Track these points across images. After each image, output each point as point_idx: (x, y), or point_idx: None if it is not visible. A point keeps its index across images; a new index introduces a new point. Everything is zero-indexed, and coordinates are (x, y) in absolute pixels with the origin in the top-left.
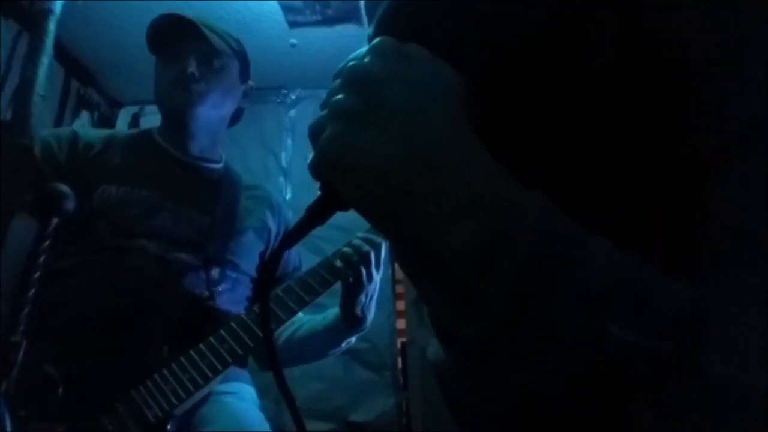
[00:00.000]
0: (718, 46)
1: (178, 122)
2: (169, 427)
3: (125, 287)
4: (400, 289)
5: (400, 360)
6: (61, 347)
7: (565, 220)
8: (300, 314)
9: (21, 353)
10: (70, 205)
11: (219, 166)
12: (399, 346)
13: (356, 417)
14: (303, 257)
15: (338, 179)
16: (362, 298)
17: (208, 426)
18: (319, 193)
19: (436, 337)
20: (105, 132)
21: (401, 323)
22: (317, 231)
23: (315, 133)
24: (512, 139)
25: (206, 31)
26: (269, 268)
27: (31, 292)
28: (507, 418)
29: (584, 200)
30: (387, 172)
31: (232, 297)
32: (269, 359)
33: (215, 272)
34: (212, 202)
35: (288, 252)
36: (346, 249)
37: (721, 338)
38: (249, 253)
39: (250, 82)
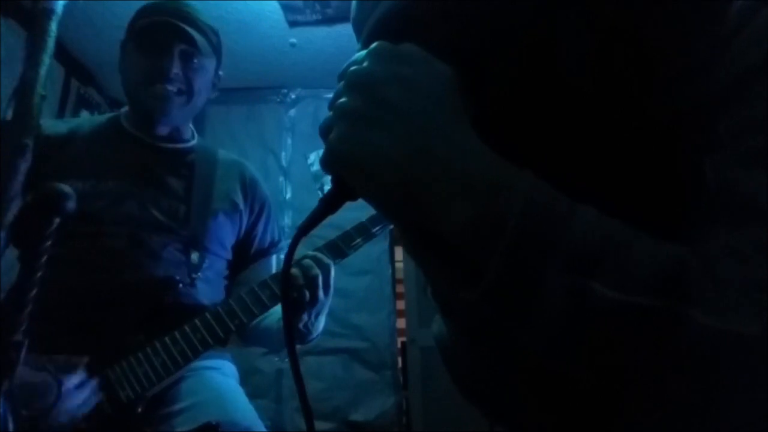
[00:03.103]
0: (678, 23)
1: (148, 113)
2: (139, 409)
3: (102, 269)
4: (400, 289)
5: (400, 360)
6: (37, 328)
7: (553, 193)
8: None
9: (22, 353)
10: (71, 205)
11: (190, 144)
12: (399, 345)
13: (356, 416)
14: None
15: (347, 174)
16: (304, 317)
17: (190, 398)
18: (318, 192)
19: (439, 313)
20: (71, 122)
21: (401, 323)
22: (317, 230)
23: (323, 133)
24: (505, 124)
25: (191, 30)
26: (287, 259)
27: (33, 292)
28: (505, 384)
29: (575, 174)
30: (390, 164)
31: (208, 278)
32: (290, 359)
33: (195, 257)
34: (184, 184)
35: (262, 229)
36: (294, 270)
37: (706, 291)
38: (219, 236)
39: (220, 73)
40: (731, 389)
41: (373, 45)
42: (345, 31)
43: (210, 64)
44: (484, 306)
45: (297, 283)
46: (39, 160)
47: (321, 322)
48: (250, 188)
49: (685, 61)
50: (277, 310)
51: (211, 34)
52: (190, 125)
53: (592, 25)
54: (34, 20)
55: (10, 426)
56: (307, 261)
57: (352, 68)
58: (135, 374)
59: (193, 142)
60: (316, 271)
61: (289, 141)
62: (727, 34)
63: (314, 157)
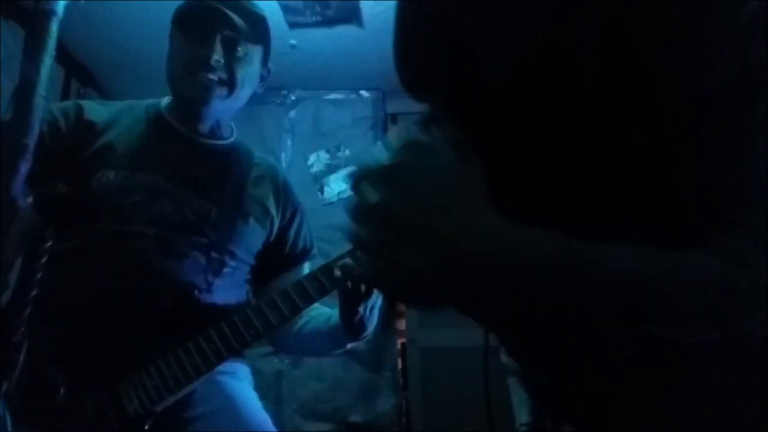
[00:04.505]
0: (686, 23)
1: (190, 106)
2: (147, 426)
3: (124, 271)
4: None
5: (400, 360)
6: (56, 328)
7: (584, 253)
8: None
9: (23, 354)
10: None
11: (229, 141)
12: (399, 346)
13: (356, 417)
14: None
15: (390, 294)
16: (360, 309)
17: (202, 405)
18: (318, 194)
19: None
20: (113, 107)
21: (401, 324)
22: (317, 232)
23: (355, 240)
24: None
25: (235, 17)
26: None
27: (33, 293)
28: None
29: (586, 186)
30: (424, 282)
31: (230, 284)
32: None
33: (215, 261)
34: (218, 184)
35: (294, 235)
36: (348, 261)
37: (665, 304)
38: (249, 242)
39: (269, 65)
40: None
41: (401, 141)
42: (345, 32)
43: (255, 53)
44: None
45: (353, 274)
46: (79, 146)
47: (375, 316)
48: (282, 193)
49: (698, 60)
50: (322, 311)
51: (258, 22)
52: (230, 122)
53: (602, 23)
54: (34, 21)
55: (10, 426)
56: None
57: (365, 201)
58: (144, 388)
59: (232, 140)
60: None
61: (289, 142)
62: (738, 33)
63: (314, 159)
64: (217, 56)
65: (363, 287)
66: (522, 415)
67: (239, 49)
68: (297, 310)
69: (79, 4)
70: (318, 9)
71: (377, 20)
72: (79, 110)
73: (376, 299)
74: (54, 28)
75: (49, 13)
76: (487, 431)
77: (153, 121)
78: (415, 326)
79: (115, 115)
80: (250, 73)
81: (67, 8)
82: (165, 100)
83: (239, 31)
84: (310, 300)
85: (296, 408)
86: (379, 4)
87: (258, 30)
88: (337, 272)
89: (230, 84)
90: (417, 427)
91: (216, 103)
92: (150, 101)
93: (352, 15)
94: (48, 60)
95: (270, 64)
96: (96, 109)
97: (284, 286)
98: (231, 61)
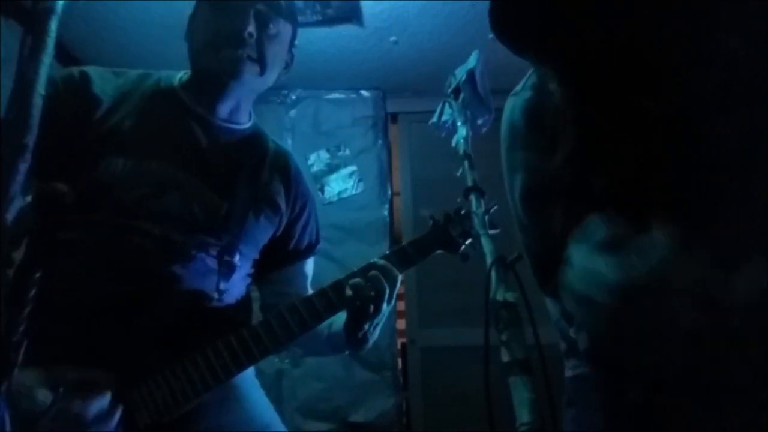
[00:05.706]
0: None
1: (214, 83)
2: None
3: (125, 270)
4: (400, 289)
5: (400, 360)
6: (53, 327)
7: None
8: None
9: (21, 353)
10: (70, 200)
11: (246, 126)
12: (399, 346)
13: (356, 417)
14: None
15: None
16: (366, 326)
17: (209, 393)
18: (319, 194)
19: None
20: (122, 78)
21: (401, 324)
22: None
23: None
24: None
25: None
26: None
27: (32, 292)
28: None
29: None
30: None
31: (235, 283)
32: None
33: (226, 265)
34: (230, 176)
35: (300, 230)
36: (358, 280)
37: None
38: (256, 238)
39: (294, 50)
40: None
41: None
42: (345, 31)
43: (286, 33)
44: None
45: (363, 294)
46: (83, 124)
47: (378, 331)
48: (293, 186)
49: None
50: None
51: (290, 1)
52: (250, 107)
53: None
54: (34, 20)
55: (8, 427)
56: (374, 273)
57: None
58: (153, 399)
59: (249, 125)
60: (384, 284)
61: (290, 141)
62: None
63: (314, 158)
64: (251, 29)
65: (371, 307)
66: (522, 414)
67: (271, 26)
68: (305, 328)
69: (79, 4)
70: (318, 8)
71: (377, 19)
72: (85, 81)
73: (382, 317)
74: (53, 26)
75: (48, 12)
76: (487, 431)
77: (167, 99)
78: (416, 326)
79: (124, 89)
80: (279, 54)
81: (66, 7)
82: (180, 75)
83: (273, 7)
84: (318, 318)
85: (297, 407)
86: (379, 4)
87: (290, 7)
88: (348, 291)
89: (261, 63)
90: (417, 427)
91: (246, 80)
92: (164, 74)
93: (352, 14)
94: (47, 59)
95: (295, 48)
96: (105, 81)
97: (289, 279)
98: (263, 38)
